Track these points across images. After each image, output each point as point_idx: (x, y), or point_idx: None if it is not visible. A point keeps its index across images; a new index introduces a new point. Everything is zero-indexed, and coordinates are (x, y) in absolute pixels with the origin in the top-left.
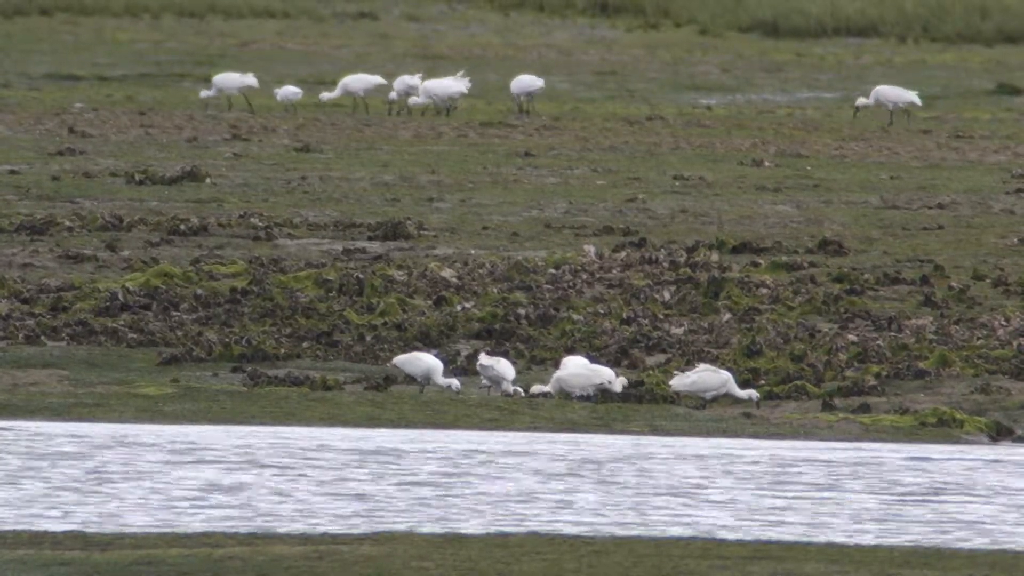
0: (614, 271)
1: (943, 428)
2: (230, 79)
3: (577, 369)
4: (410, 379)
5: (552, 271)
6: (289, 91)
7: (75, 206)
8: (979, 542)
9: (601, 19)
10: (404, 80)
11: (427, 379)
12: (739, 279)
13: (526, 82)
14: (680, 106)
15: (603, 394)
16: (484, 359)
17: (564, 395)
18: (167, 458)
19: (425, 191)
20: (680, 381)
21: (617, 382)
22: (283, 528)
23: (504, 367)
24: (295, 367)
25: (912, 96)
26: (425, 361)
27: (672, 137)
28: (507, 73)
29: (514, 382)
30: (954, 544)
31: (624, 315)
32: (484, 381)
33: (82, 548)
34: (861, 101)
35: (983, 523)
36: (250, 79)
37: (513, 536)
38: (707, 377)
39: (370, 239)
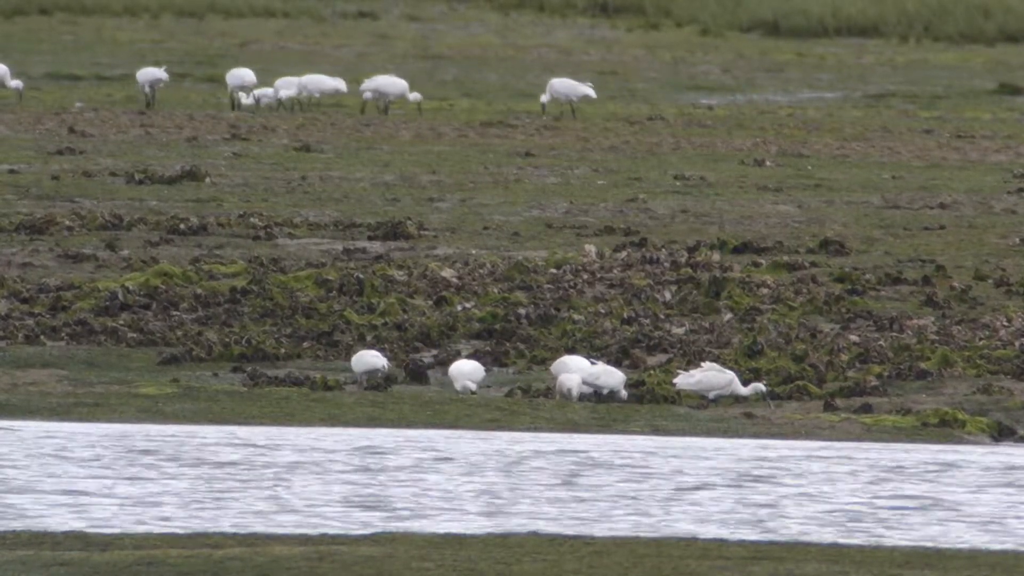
0: (615, 271)
1: (945, 428)
2: (147, 73)
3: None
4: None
5: (553, 271)
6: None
7: (75, 205)
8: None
9: (601, 19)
10: (286, 80)
11: (376, 374)
12: (740, 279)
13: (151, 73)
14: (681, 106)
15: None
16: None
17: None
18: (169, 459)
19: (425, 191)
20: (684, 380)
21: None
22: (283, 529)
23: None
24: (295, 367)
25: (586, 89)
26: (368, 359)
27: (673, 137)
28: (507, 73)
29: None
30: (954, 544)
31: (625, 315)
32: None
33: (82, 548)
34: (544, 97)
35: None
36: (161, 73)
37: (513, 536)
38: (712, 376)
39: (370, 239)
